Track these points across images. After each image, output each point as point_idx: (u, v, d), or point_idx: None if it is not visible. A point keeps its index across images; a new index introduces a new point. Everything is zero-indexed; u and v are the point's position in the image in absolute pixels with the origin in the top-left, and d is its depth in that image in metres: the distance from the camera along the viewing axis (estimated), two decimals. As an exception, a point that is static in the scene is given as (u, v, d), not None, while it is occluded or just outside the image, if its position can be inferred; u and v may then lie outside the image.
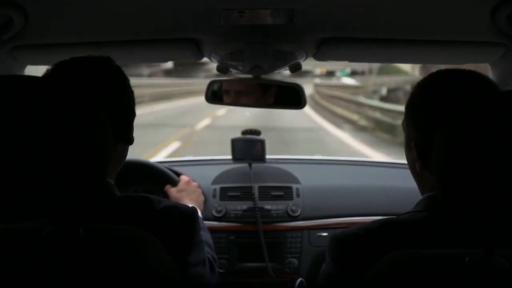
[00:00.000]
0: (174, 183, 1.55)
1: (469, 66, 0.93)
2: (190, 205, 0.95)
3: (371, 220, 0.86)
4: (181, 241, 0.86)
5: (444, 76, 0.88)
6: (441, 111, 0.77)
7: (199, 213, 1.13)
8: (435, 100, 0.84)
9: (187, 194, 1.51)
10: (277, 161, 1.96)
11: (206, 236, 1.10)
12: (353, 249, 0.81)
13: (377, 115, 12.17)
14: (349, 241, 0.82)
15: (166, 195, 1.53)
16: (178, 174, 1.63)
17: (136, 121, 0.98)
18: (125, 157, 0.99)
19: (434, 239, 0.77)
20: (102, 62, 0.93)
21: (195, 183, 1.58)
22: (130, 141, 0.96)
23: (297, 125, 12.16)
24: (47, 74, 0.91)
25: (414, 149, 0.87)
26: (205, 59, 1.29)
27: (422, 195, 0.88)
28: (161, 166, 1.63)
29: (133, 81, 0.98)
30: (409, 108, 0.89)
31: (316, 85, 27.17)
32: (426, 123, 0.84)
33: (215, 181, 1.77)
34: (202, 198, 1.58)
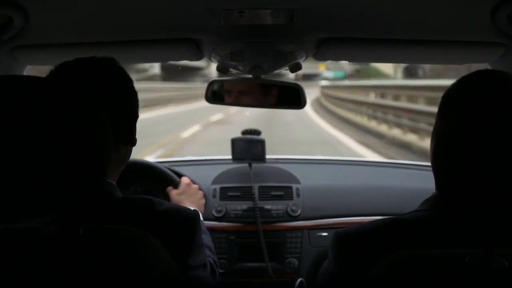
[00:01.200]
0: (175, 185, 1.55)
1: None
2: (192, 208, 0.95)
3: (371, 220, 0.86)
4: (182, 244, 0.86)
5: (483, 74, 0.87)
6: (464, 107, 0.77)
7: (200, 216, 1.13)
8: (463, 95, 0.84)
9: (188, 196, 1.50)
10: (277, 161, 1.96)
11: (207, 239, 1.10)
12: (356, 248, 0.81)
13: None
14: (352, 240, 0.82)
15: (166, 196, 1.53)
16: (180, 175, 1.63)
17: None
18: (128, 158, 0.99)
19: (435, 239, 0.77)
20: (106, 63, 0.93)
21: (196, 186, 1.57)
22: (133, 142, 0.96)
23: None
24: (51, 74, 0.91)
25: (435, 137, 0.86)
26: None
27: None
28: (162, 167, 1.63)
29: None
30: (443, 99, 0.89)
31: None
32: (451, 115, 0.84)
33: (215, 181, 1.77)
34: (203, 201, 1.57)
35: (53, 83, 0.68)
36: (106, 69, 0.92)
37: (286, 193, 1.71)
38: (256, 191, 1.69)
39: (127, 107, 0.94)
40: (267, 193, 1.70)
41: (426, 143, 7.80)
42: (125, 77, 0.94)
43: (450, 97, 0.87)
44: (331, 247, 0.86)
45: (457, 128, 0.62)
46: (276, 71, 1.31)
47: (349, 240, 0.83)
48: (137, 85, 0.97)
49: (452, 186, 0.62)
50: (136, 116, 0.96)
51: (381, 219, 0.84)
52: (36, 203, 0.65)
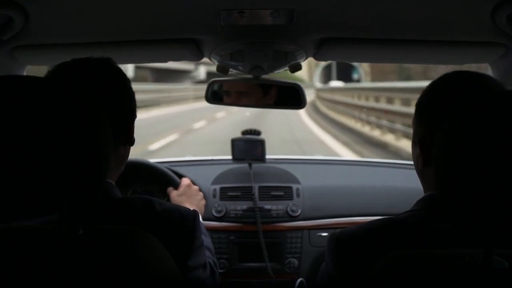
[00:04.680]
0: (176, 185, 1.55)
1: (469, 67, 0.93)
2: (192, 209, 0.95)
3: (368, 220, 0.86)
4: (182, 244, 0.86)
5: (455, 75, 0.89)
6: (447, 108, 0.78)
7: (200, 218, 1.13)
8: (443, 98, 0.85)
9: (188, 198, 1.50)
10: (277, 161, 1.96)
11: (206, 241, 1.10)
12: (353, 249, 0.81)
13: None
14: (349, 241, 0.82)
15: (166, 196, 1.53)
16: (180, 176, 1.63)
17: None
18: (127, 158, 0.99)
19: (433, 239, 0.77)
20: (103, 63, 0.93)
21: (196, 187, 1.58)
22: (132, 142, 0.96)
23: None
24: (48, 75, 0.91)
25: (417, 144, 0.87)
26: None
27: (425, 192, 0.88)
28: (163, 167, 1.63)
29: None
30: (419, 105, 0.90)
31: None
32: (432, 119, 0.85)
33: (215, 181, 1.77)
34: (203, 202, 1.57)
35: (53, 83, 0.68)
36: (104, 69, 0.92)
37: (286, 193, 1.71)
38: (256, 191, 1.69)
39: (125, 107, 0.94)
40: (267, 193, 1.70)
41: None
42: (122, 77, 0.94)
43: (430, 103, 0.88)
44: (328, 249, 0.87)
45: (455, 130, 0.62)
46: (275, 71, 1.31)
47: (346, 241, 0.83)
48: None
49: (451, 185, 0.62)
50: (134, 116, 0.96)
51: (376, 219, 0.84)
52: (36, 203, 0.65)
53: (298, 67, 1.26)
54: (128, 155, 0.99)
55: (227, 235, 1.63)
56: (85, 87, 0.73)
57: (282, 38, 1.12)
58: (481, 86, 0.85)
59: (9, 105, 0.61)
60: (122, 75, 0.95)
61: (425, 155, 0.85)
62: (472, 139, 0.60)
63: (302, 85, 1.36)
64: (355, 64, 16.72)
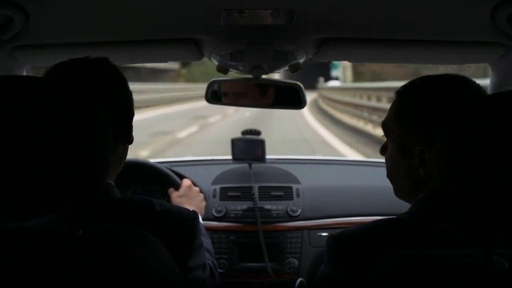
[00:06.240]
0: (176, 186, 1.55)
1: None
2: (191, 209, 0.95)
3: (367, 220, 0.86)
4: (182, 245, 0.86)
5: (433, 79, 0.88)
6: (438, 111, 0.78)
7: (200, 219, 1.14)
8: (434, 103, 0.84)
9: (188, 199, 1.50)
10: (277, 161, 1.96)
11: (206, 242, 1.10)
12: (351, 250, 0.81)
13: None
14: (347, 242, 0.82)
15: (166, 196, 1.53)
16: (181, 177, 1.63)
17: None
18: (125, 157, 0.99)
19: (433, 239, 0.77)
20: (101, 63, 0.93)
21: (196, 188, 1.58)
22: (130, 140, 0.96)
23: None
24: (46, 75, 0.91)
25: (416, 155, 0.85)
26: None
27: (411, 198, 0.88)
28: (163, 167, 1.63)
29: None
30: (403, 114, 0.88)
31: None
32: (431, 128, 0.83)
33: (215, 181, 1.77)
34: (204, 203, 1.57)
35: (53, 83, 0.68)
36: (101, 69, 0.93)
37: (286, 193, 1.71)
38: (256, 191, 1.69)
39: (123, 106, 0.94)
40: (267, 193, 1.70)
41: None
42: (119, 76, 0.94)
43: (416, 108, 0.87)
44: (326, 250, 0.86)
45: (455, 130, 0.63)
46: (276, 71, 1.31)
47: (344, 242, 0.83)
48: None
49: (453, 187, 0.62)
50: (132, 115, 0.96)
51: (374, 220, 0.84)
52: (36, 203, 0.65)
53: (298, 67, 1.26)
54: (126, 154, 0.99)
55: (227, 235, 1.63)
56: (85, 87, 0.73)
57: (282, 38, 1.12)
58: (468, 88, 0.85)
59: (9, 105, 0.61)
60: (120, 74, 0.95)
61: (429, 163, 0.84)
62: (472, 139, 0.60)
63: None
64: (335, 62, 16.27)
